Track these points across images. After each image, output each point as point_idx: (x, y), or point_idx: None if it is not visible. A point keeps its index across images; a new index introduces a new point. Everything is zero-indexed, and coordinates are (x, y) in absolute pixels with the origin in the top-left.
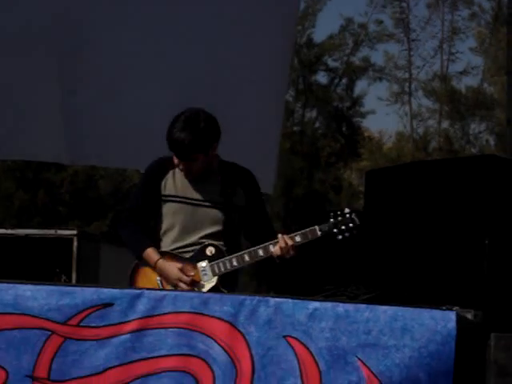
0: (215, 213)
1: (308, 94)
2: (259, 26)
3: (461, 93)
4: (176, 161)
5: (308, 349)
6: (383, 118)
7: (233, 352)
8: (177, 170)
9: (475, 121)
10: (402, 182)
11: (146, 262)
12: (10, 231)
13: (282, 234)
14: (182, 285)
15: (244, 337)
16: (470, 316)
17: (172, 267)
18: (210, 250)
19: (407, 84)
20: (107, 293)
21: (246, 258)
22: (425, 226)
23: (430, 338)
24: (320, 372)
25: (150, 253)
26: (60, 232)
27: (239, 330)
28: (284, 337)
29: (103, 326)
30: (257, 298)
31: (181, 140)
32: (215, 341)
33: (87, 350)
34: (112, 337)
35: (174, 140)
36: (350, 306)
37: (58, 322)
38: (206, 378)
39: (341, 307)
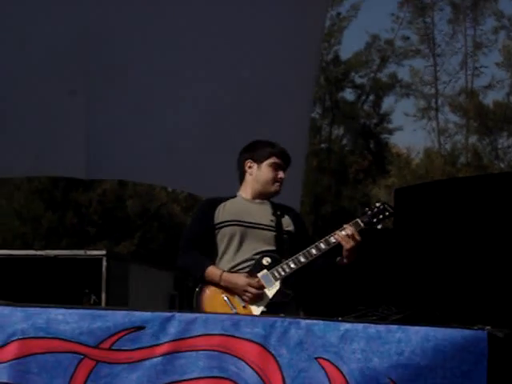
0: (268, 234)
1: (335, 110)
2: (284, 43)
3: (488, 107)
4: (274, 174)
5: (340, 370)
6: (411, 134)
7: (264, 374)
8: (227, 202)
9: (503, 135)
10: (432, 200)
11: (209, 281)
12: (39, 252)
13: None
14: (252, 290)
15: (275, 359)
16: (501, 334)
17: (238, 276)
18: (266, 260)
19: (434, 99)
20: (139, 316)
21: (302, 258)
22: (455, 244)
23: (462, 357)
24: None
25: (213, 269)
26: (89, 252)
27: (270, 352)
28: (315, 358)
29: (135, 349)
30: (288, 319)
31: (284, 149)
32: (246, 363)
33: (119, 374)
34: (144, 360)
35: (282, 147)
36: (381, 327)
37: (89, 346)
38: None
39: (372, 328)
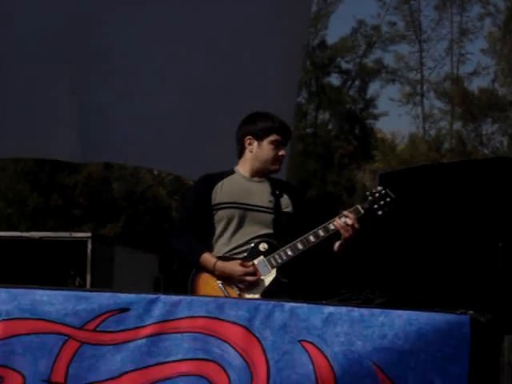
0: (265, 216)
1: (321, 95)
2: (270, 28)
3: (473, 94)
4: (275, 152)
5: (323, 353)
6: (396, 120)
7: (248, 356)
8: (225, 181)
9: (488, 122)
10: (416, 185)
11: (203, 268)
12: (24, 234)
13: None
14: (248, 277)
15: (259, 341)
16: (483, 319)
17: (233, 264)
18: (263, 246)
19: (419, 85)
20: (123, 297)
21: (300, 246)
22: (438, 229)
23: (444, 341)
24: (335, 376)
25: (207, 257)
26: (74, 235)
27: (254, 335)
28: (299, 341)
29: (119, 330)
30: (272, 302)
31: (284, 122)
32: (231, 345)
33: (104, 355)
34: (128, 341)
35: (282, 122)
36: (364, 311)
37: (74, 327)
38: (222, 383)
39: (356, 312)
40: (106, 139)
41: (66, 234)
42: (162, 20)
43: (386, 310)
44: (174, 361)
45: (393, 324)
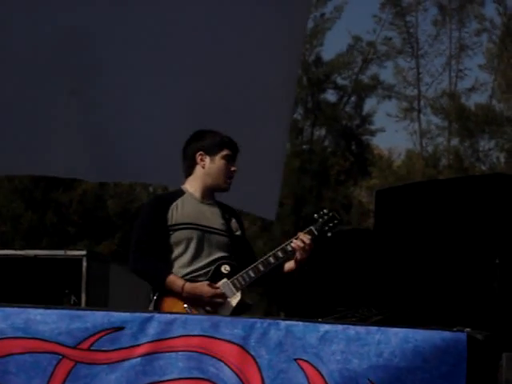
0: (222, 239)
1: (317, 112)
2: (265, 44)
3: (470, 110)
4: (227, 167)
5: (319, 372)
6: (393, 136)
7: (243, 375)
8: (178, 202)
9: (485, 138)
10: (412, 202)
11: (168, 290)
12: (18, 252)
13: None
14: (217, 299)
15: (255, 360)
16: (480, 337)
17: (202, 286)
18: (225, 268)
19: (416, 101)
20: (118, 316)
21: (261, 267)
22: (435, 246)
23: (441, 359)
24: None
25: (174, 279)
26: (69, 253)
27: (250, 353)
28: (295, 360)
29: (114, 349)
30: (267, 321)
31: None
32: (226, 364)
33: (98, 374)
34: (123, 360)
35: (230, 137)
36: (361, 329)
37: (68, 346)
38: None
39: (352, 329)
40: (108, 156)
41: (61, 252)
42: (161, 35)
43: (383, 328)
44: (169, 380)
45: (389, 342)
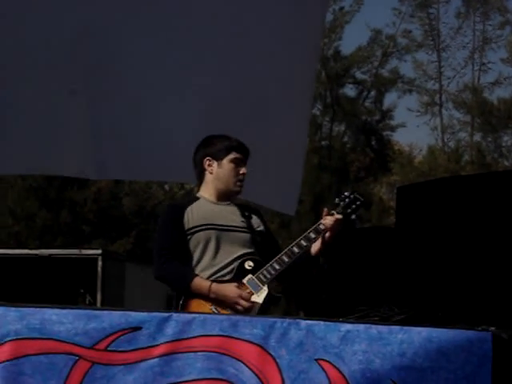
0: (243, 235)
1: (336, 107)
2: (283, 39)
3: (493, 104)
4: (236, 171)
5: (341, 372)
6: (414, 131)
7: (263, 375)
8: (193, 206)
9: (508, 133)
10: (434, 198)
11: (195, 293)
12: (33, 251)
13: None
14: (243, 302)
15: (275, 360)
16: (506, 336)
17: (229, 287)
18: (248, 264)
19: (437, 95)
20: (135, 316)
21: (285, 258)
22: (458, 243)
23: (465, 359)
24: None
25: (200, 281)
26: (84, 252)
27: (270, 353)
28: (316, 360)
29: (131, 350)
30: (288, 320)
31: (241, 141)
32: (245, 364)
33: (115, 375)
34: (140, 361)
35: (239, 141)
36: (383, 328)
37: (85, 347)
38: None
39: (374, 329)
40: (118, 154)
41: (76, 251)
42: (175, 30)
43: (405, 327)
44: (187, 381)
45: (412, 341)
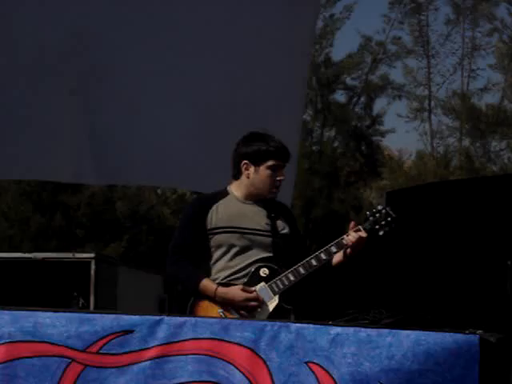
0: (264, 239)
1: (326, 113)
2: (274, 45)
3: (481, 110)
4: (272, 179)
5: (330, 375)
6: (403, 136)
7: (254, 378)
8: (219, 203)
9: (496, 138)
10: (424, 203)
11: (202, 295)
12: (27, 255)
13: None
14: (251, 303)
15: (265, 363)
16: (493, 339)
17: (234, 289)
18: (263, 271)
19: (427, 101)
20: (127, 319)
21: (302, 270)
22: (446, 248)
23: (453, 362)
24: None
25: (208, 283)
26: (78, 255)
27: (260, 356)
28: (306, 363)
29: (123, 353)
30: (278, 323)
31: (282, 144)
32: (236, 367)
33: (107, 378)
34: (132, 364)
35: (278, 144)
36: (372, 331)
37: (77, 350)
38: None
39: (363, 332)
40: (115, 159)
41: (69, 255)
42: (171, 36)
43: (394, 331)
44: (178, 383)
45: (401, 344)
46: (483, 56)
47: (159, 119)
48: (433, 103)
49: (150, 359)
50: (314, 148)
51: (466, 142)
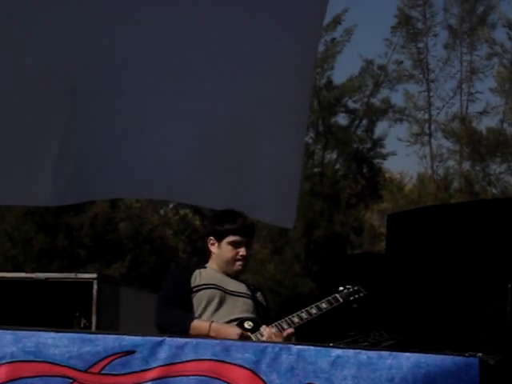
0: (246, 301)
1: (328, 135)
2: (277, 69)
3: (481, 134)
4: (234, 253)
5: None
6: (404, 159)
7: None
8: (201, 270)
9: (496, 162)
10: (424, 226)
11: (195, 335)
12: (29, 275)
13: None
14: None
15: None
16: (492, 361)
17: (230, 326)
18: (248, 324)
19: (427, 125)
20: (129, 340)
21: (284, 325)
22: (447, 270)
23: None
24: None
25: (199, 322)
26: (80, 275)
27: (261, 378)
28: None
29: (125, 373)
30: (279, 345)
31: (248, 221)
32: None
33: None
34: None
35: (244, 221)
36: (372, 353)
37: (79, 370)
38: None
39: (363, 354)
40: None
41: (72, 275)
42: (168, 53)
43: (394, 353)
44: None
45: (401, 367)
46: (482, 79)
47: (158, 137)
48: (433, 127)
49: (151, 380)
50: (315, 170)
51: (466, 165)
